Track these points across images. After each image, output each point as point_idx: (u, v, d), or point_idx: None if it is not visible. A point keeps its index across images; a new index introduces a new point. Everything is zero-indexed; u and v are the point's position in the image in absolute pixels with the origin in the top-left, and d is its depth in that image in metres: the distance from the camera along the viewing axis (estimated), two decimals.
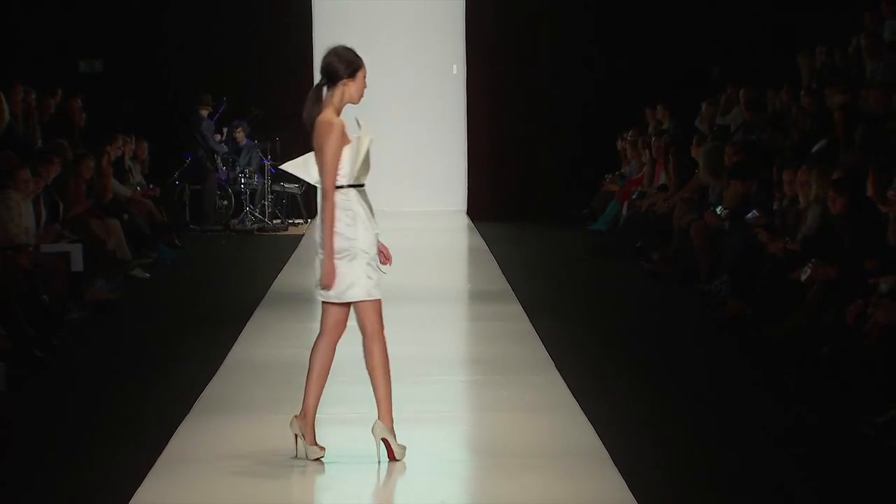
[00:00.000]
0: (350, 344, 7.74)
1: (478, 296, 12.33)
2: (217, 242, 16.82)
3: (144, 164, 16.92)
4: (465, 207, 20.10)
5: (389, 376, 6.39)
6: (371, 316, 6.35)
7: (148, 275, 13.06)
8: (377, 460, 6.41)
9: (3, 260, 9.75)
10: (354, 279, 6.30)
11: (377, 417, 6.41)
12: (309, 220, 18.94)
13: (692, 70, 18.85)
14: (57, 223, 11.63)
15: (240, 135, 18.52)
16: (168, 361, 9.08)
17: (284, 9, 19.39)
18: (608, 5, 19.39)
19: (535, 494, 6.07)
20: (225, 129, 18.59)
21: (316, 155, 6.35)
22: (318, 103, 6.36)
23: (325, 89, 6.38)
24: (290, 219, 18.68)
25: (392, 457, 6.42)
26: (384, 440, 6.41)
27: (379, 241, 6.41)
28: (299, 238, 16.99)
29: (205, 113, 17.98)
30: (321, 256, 6.31)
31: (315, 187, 6.40)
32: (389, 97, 18.89)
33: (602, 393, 7.96)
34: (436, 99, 19.99)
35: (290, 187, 18.80)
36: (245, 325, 10.23)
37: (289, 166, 6.68)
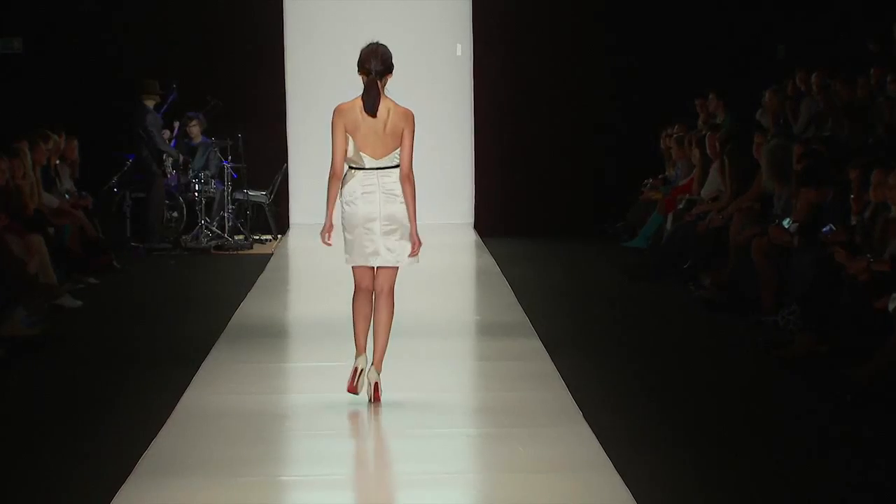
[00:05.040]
0: (326, 391, 7.68)
1: (488, 328, 12.34)
2: (165, 263, 16.83)
3: (75, 166, 16.95)
4: (471, 220, 20.14)
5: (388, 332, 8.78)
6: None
7: (80, 303, 13.07)
8: (368, 399, 8.68)
9: None
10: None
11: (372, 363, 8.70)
12: (279, 236, 18.96)
13: (752, 49, 18.90)
14: None
15: (194, 130, 18.56)
16: (105, 411, 9.08)
17: None
18: None
19: None
20: (176, 124, 18.64)
21: (394, 139, 8.87)
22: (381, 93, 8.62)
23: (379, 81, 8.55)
24: (255, 234, 18.67)
25: (378, 398, 8.68)
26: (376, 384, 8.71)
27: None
28: (267, 258, 17.01)
29: (150, 104, 18.00)
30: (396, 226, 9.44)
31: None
32: None
33: (640, 448, 7.98)
34: (436, 87, 19.99)
35: (256, 195, 18.80)
36: (199, 366, 10.24)
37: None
